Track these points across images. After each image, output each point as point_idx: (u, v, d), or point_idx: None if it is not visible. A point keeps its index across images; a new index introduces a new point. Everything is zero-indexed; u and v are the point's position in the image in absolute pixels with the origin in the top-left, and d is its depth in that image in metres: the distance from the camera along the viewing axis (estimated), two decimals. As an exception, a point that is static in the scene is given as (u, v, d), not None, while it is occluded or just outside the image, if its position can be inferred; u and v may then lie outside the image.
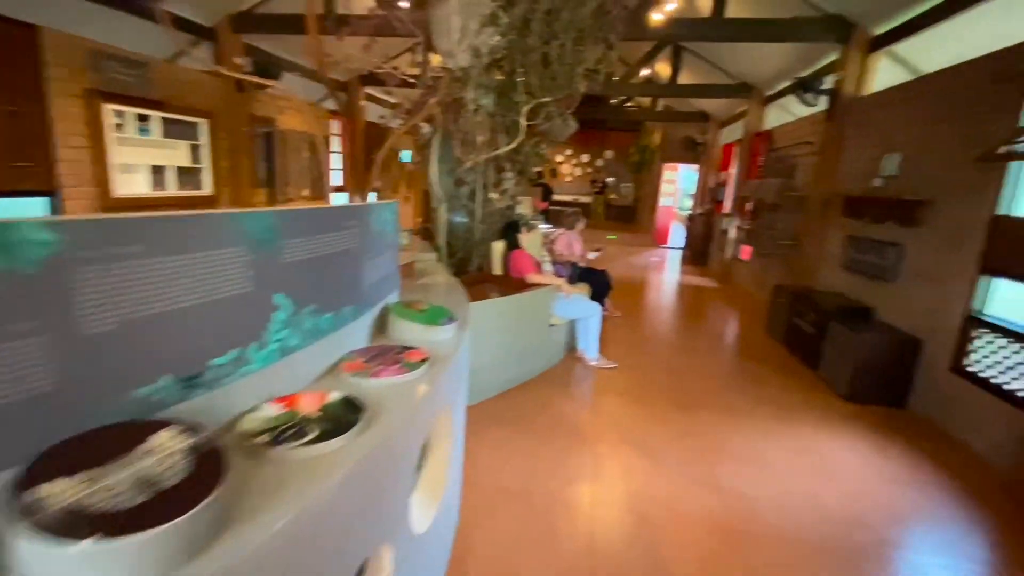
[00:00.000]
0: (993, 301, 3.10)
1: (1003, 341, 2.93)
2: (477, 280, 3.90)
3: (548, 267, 5.42)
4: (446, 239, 4.37)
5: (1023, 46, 2.95)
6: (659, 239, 13.13)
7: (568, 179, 17.63)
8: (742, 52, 7.16)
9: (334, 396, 1.20)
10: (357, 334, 1.58)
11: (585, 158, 17.49)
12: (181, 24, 5.57)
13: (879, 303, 4.14)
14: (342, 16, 3.73)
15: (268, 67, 5.50)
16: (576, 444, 2.89)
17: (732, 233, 8.30)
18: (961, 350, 3.23)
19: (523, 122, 3.72)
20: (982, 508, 2.50)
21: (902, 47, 4.52)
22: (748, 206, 7.82)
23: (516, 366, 3.58)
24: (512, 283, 3.86)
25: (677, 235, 12.54)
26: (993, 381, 2.97)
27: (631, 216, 16.74)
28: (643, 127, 15.74)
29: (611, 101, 12.51)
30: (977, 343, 3.12)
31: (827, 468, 2.79)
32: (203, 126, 5.95)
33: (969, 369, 3.16)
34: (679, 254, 11.45)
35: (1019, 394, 2.80)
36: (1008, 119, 3.00)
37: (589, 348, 4.11)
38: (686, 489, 2.52)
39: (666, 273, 9.26)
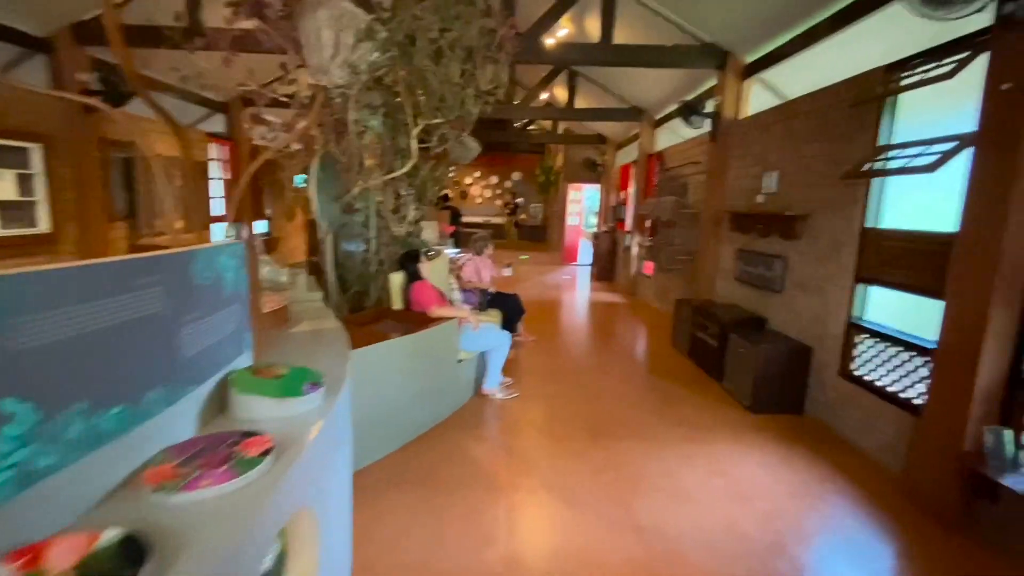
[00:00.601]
0: (870, 307, 3.31)
1: (881, 345, 3.13)
2: (374, 318, 3.53)
3: (456, 295, 5.15)
4: (337, 273, 3.96)
5: (875, 72, 3.22)
6: (568, 257, 13.40)
7: (479, 201, 17.62)
8: (632, 78, 7.51)
9: (108, 537, 0.83)
10: (179, 423, 1.20)
11: (494, 180, 17.62)
12: (6, 35, 4.70)
13: (771, 313, 4.36)
14: (191, 27, 3.25)
15: (118, 85, 4.77)
16: (489, 497, 2.61)
17: (635, 250, 8.60)
18: (846, 355, 3.42)
19: (414, 145, 3.46)
20: (884, 513, 2.58)
21: (770, 74, 4.91)
22: (647, 223, 8.15)
23: (420, 412, 3.24)
24: (414, 318, 3.54)
25: (585, 253, 12.87)
26: (876, 383, 3.15)
27: (542, 235, 17.05)
28: (547, 149, 16.22)
29: (515, 124, 12.69)
30: (860, 348, 3.31)
31: (742, 490, 2.76)
32: (36, 152, 5.01)
33: (855, 373, 3.35)
34: (588, 271, 11.73)
35: (898, 394, 2.98)
36: (867, 138, 3.26)
37: (491, 379, 3.87)
38: (607, 535, 2.33)
39: (576, 291, 9.38)
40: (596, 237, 10.90)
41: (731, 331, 4.22)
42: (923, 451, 2.63)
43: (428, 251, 4.36)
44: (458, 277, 5.27)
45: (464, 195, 17.54)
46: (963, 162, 2.48)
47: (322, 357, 1.84)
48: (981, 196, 2.35)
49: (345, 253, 4.26)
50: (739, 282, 4.94)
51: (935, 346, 2.62)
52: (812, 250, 3.81)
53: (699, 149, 6.17)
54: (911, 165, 2.69)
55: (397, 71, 3.16)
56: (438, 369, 3.39)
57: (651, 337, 6.08)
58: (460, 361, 3.62)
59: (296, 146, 3.42)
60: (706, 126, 5.52)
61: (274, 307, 2.30)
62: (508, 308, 5.28)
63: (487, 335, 3.78)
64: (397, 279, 3.78)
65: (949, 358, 2.50)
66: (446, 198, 10.96)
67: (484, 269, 5.37)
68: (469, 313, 3.71)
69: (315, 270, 4.06)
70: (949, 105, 2.80)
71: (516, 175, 17.56)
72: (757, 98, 5.19)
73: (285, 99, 3.14)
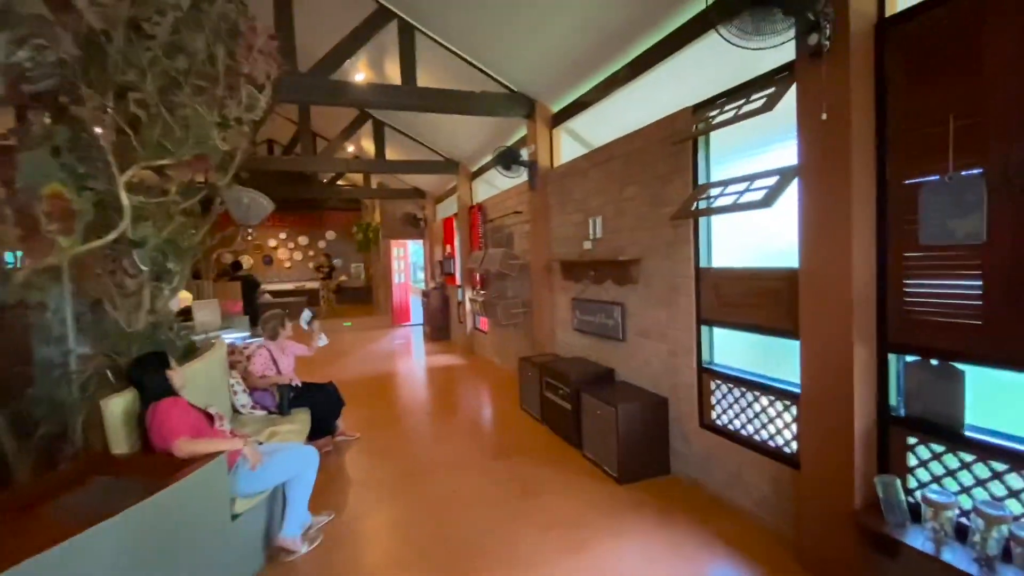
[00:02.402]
0: (719, 351, 3.14)
1: (737, 391, 2.93)
2: (72, 480, 2.15)
3: (243, 399, 3.82)
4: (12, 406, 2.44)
5: (684, 112, 3.18)
6: (398, 318, 12.38)
7: (288, 265, 15.57)
8: (442, 128, 7.17)
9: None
10: None
11: (304, 240, 15.80)
12: None
13: (618, 364, 4.07)
14: None
15: None
16: None
17: (468, 305, 8.08)
18: (703, 404, 3.19)
19: (125, 199, 2.29)
20: (790, 597, 2.21)
21: (577, 123, 4.90)
22: (477, 277, 7.72)
23: (162, 629, 1.96)
24: (152, 467, 2.26)
25: (417, 311, 12.03)
26: (740, 432, 2.92)
27: (367, 297, 15.68)
28: (363, 205, 15.19)
29: (323, 180, 11.50)
30: (716, 395, 3.09)
31: (644, 613, 2.15)
32: None
33: (715, 423, 3.11)
34: (421, 331, 10.88)
35: (767, 443, 2.76)
36: (685, 178, 3.18)
37: (289, 524, 2.67)
38: None
39: (410, 357, 8.41)
40: (426, 294, 10.18)
41: (583, 390, 3.79)
42: (810, 509, 2.37)
43: (185, 345, 3.05)
44: (245, 374, 3.96)
45: (269, 260, 15.33)
46: (793, 195, 2.39)
47: None
48: (816, 229, 2.23)
49: (41, 366, 2.74)
50: (580, 332, 4.64)
51: (798, 389, 2.43)
52: (650, 294, 3.62)
53: (520, 198, 5.97)
54: (743, 202, 2.55)
55: (81, 87, 2.02)
56: (195, 545, 2.14)
57: (498, 403, 5.44)
58: (236, 517, 2.41)
59: None
60: (524, 175, 5.30)
61: None
62: (320, 404, 4.12)
63: (281, 462, 2.63)
64: (120, 405, 2.43)
65: (816, 403, 2.30)
66: (237, 266, 9.12)
67: (282, 356, 4.14)
68: (243, 443, 2.51)
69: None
70: (758, 141, 2.79)
71: (330, 234, 16.05)
72: (570, 146, 5.16)
73: None
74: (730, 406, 2.99)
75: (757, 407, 2.80)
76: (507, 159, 5.09)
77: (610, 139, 4.03)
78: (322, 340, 4.37)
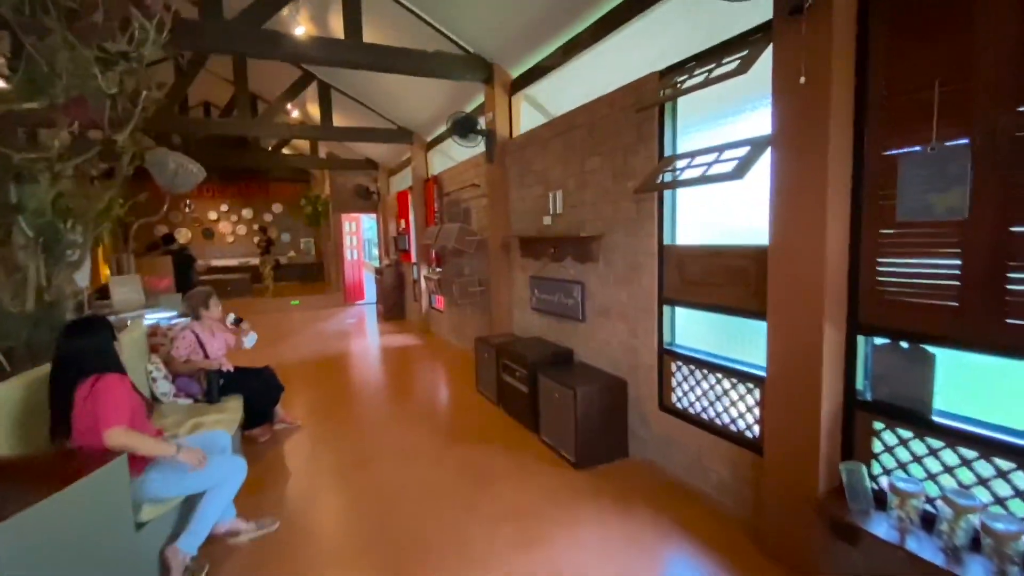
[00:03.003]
0: (681, 332, 3.02)
1: (699, 373, 2.82)
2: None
3: (164, 387, 3.42)
4: None
5: (650, 78, 2.96)
6: (351, 296, 11.88)
7: (231, 240, 14.61)
8: (395, 94, 6.70)
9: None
10: None
11: (247, 214, 14.83)
12: None
13: (576, 344, 3.92)
14: None
15: None
16: None
17: (423, 283, 7.75)
18: (664, 386, 3.08)
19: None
20: (734, 567, 2.14)
21: (536, 90, 4.62)
22: (433, 254, 7.39)
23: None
24: (42, 469, 1.92)
25: (371, 289, 11.55)
26: (701, 416, 2.83)
27: (317, 274, 14.97)
28: (312, 177, 14.35)
29: (267, 148, 10.69)
30: (677, 377, 2.97)
31: (602, 612, 2.02)
32: None
33: (675, 406, 3.00)
34: (375, 309, 10.46)
35: (728, 426, 2.67)
36: (650, 149, 2.99)
37: (188, 539, 2.23)
38: None
39: (362, 337, 8.04)
40: (379, 272, 9.74)
41: (540, 372, 3.61)
42: (773, 495, 2.29)
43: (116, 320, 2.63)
44: (167, 359, 3.55)
45: (210, 234, 14.32)
46: (765, 168, 2.23)
47: None
48: (789, 203, 2.09)
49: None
50: (538, 312, 4.45)
51: (763, 372, 2.33)
52: (611, 273, 3.45)
53: (476, 171, 5.66)
54: (712, 173, 2.38)
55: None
56: (91, 560, 1.82)
57: (453, 385, 5.22)
58: (143, 526, 2.09)
59: None
60: (481, 145, 4.99)
61: None
62: (255, 390, 3.77)
63: (210, 470, 2.28)
64: (16, 388, 2.02)
65: (782, 387, 2.19)
66: (168, 239, 8.37)
67: (211, 340, 3.74)
68: (174, 449, 2.17)
69: None
70: (728, 109, 2.62)
71: (277, 207, 15.13)
72: (529, 115, 4.88)
73: None
74: (691, 388, 2.89)
75: (719, 390, 2.70)
76: (463, 127, 4.76)
77: (573, 108, 3.79)
78: (251, 339, 3.95)
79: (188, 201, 14.09)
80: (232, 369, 3.80)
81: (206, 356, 3.66)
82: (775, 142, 2.12)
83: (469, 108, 5.56)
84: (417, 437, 3.84)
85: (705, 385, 2.79)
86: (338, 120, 7.67)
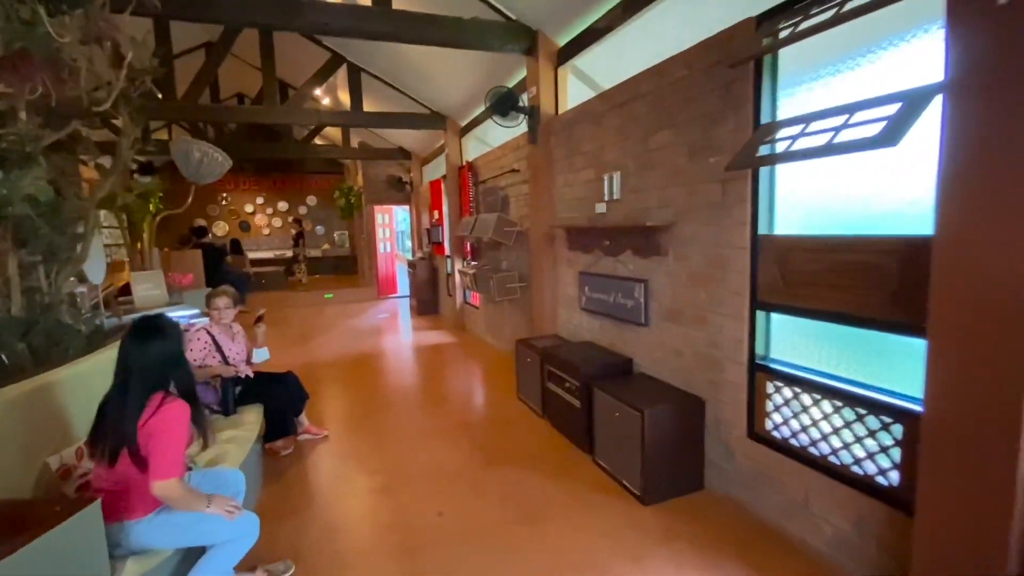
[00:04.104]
0: (783, 344, 2.43)
1: (806, 396, 2.24)
2: None
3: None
4: None
5: (743, 26, 2.37)
6: (384, 289, 11.61)
7: (267, 232, 14.63)
8: (428, 76, 6.24)
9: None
10: None
11: (283, 206, 14.81)
12: None
13: (637, 352, 3.37)
14: None
15: None
16: None
17: (458, 278, 7.32)
18: (755, 409, 2.51)
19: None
20: None
21: (585, 60, 4.05)
22: (468, 246, 6.94)
23: None
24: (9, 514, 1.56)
25: (404, 282, 11.24)
26: (809, 449, 2.25)
27: (352, 266, 14.83)
28: (345, 168, 14.16)
29: (299, 139, 10.45)
30: (775, 400, 2.40)
31: None
32: None
33: (772, 435, 2.43)
34: (408, 304, 10.14)
35: (850, 468, 2.09)
36: (741, 116, 2.40)
37: None
38: None
39: (395, 334, 7.69)
40: (412, 265, 9.38)
41: (595, 385, 3.09)
42: (928, 567, 1.71)
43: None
44: (179, 364, 3.20)
45: (246, 227, 14.36)
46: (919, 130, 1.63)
47: None
48: (974, 176, 1.49)
49: None
50: (589, 313, 3.92)
51: (915, 404, 1.75)
52: (683, 269, 2.88)
53: (516, 155, 5.14)
54: (843, 141, 1.79)
55: None
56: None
57: (491, 391, 4.76)
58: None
59: None
60: (522, 125, 4.47)
61: None
62: (277, 398, 3.40)
63: (212, 522, 1.87)
64: None
65: (952, 429, 1.61)
66: (200, 232, 8.18)
67: (230, 343, 3.38)
68: (206, 503, 1.82)
69: None
70: (848, 55, 2.01)
71: (311, 199, 15.06)
72: (577, 90, 4.32)
73: None
74: (795, 415, 2.31)
75: (837, 420, 2.12)
76: (504, 104, 4.24)
77: (631, 76, 3.21)
78: (262, 354, 3.58)
79: (225, 194, 14.18)
80: (252, 375, 3.45)
81: (224, 360, 3.32)
82: (953, 90, 1.52)
83: (509, 84, 5.03)
84: (452, 454, 3.39)
85: (816, 412, 2.21)
86: (369, 106, 7.29)
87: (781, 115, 2.31)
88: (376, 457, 3.42)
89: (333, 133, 10.94)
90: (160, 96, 5.84)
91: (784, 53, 2.27)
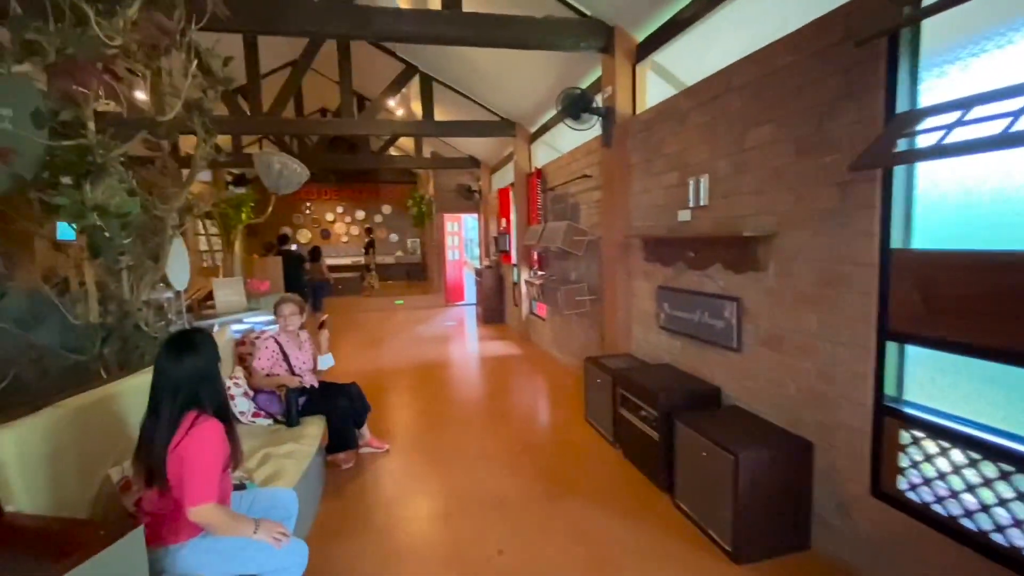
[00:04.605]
0: (918, 383, 1.97)
1: (959, 453, 1.77)
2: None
3: (242, 404, 3.10)
4: None
5: (870, -3, 1.96)
6: (451, 296, 11.67)
7: (345, 240, 15.31)
8: (498, 82, 6.13)
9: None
10: None
11: (360, 215, 15.45)
12: None
13: (726, 380, 2.96)
14: None
15: None
16: None
17: (524, 288, 7.12)
18: (882, 461, 2.05)
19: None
20: None
21: (665, 55, 3.70)
22: (535, 255, 6.72)
23: None
24: (57, 535, 1.52)
25: (472, 290, 11.25)
26: (963, 522, 1.77)
27: (422, 273, 15.15)
28: (418, 177, 14.52)
29: (375, 151, 10.80)
30: (911, 452, 1.94)
31: None
32: None
33: (906, 496, 1.96)
34: (474, 311, 10.09)
35: (1022, 552, 1.61)
36: (866, 104, 1.98)
37: None
38: None
39: (460, 342, 7.62)
40: (479, 273, 9.32)
41: (678, 417, 2.73)
42: None
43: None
44: (246, 373, 3.23)
45: (327, 234, 15.13)
46: None
47: None
48: None
49: None
50: (668, 332, 3.54)
51: None
52: (787, 287, 2.46)
53: (588, 160, 4.86)
54: (1033, 126, 1.36)
55: None
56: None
57: (557, 410, 4.48)
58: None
59: None
60: (596, 127, 4.18)
61: None
62: (339, 411, 3.33)
63: (258, 550, 1.75)
64: (12, 439, 1.67)
65: None
66: (283, 239, 8.60)
67: (297, 352, 3.37)
68: (253, 528, 1.72)
69: None
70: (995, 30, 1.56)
71: (386, 208, 15.59)
72: (657, 88, 3.98)
73: None
74: (941, 476, 1.84)
75: (1006, 490, 1.64)
76: (577, 105, 3.98)
77: (719, 70, 2.84)
78: (326, 361, 3.53)
79: (308, 203, 15.04)
80: (316, 385, 3.42)
81: (290, 369, 3.31)
82: None
83: (582, 84, 4.77)
84: (516, 481, 3.15)
85: (972, 475, 1.73)
86: (440, 115, 7.31)
87: (924, 102, 1.87)
88: (436, 478, 3.25)
89: (407, 144, 11.20)
90: (248, 111, 6.18)
91: (929, 24, 1.83)
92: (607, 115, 4.03)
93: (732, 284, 2.84)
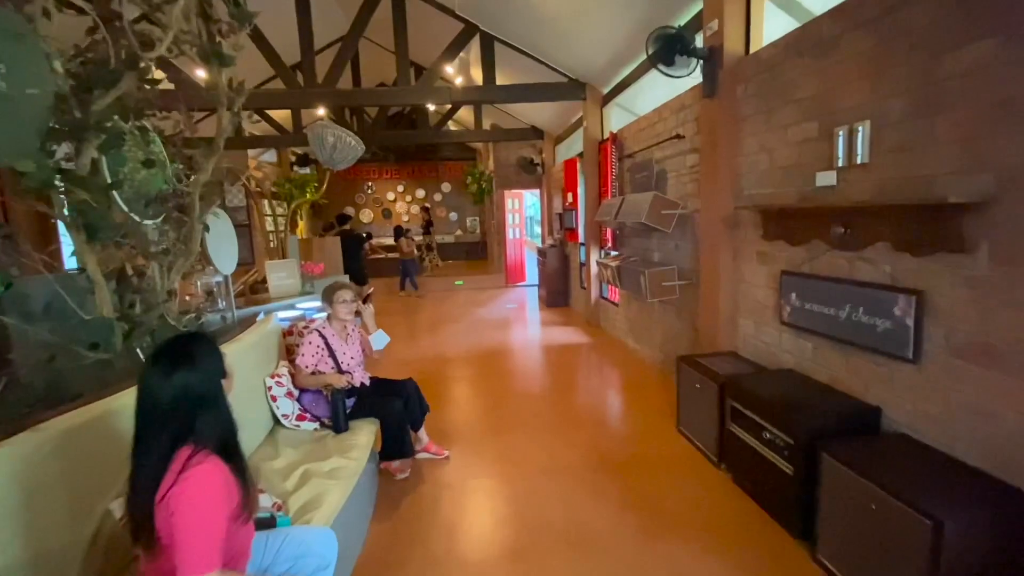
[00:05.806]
0: None
1: None
2: None
3: (287, 406, 2.73)
4: None
5: None
6: (512, 277, 11.18)
7: (406, 219, 15.18)
8: (569, 35, 5.39)
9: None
10: None
11: (420, 193, 15.25)
12: None
13: (891, 400, 2.21)
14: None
15: None
16: None
17: (594, 268, 6.44)
18: None
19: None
20: None
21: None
22: (607, 233, 6.02)
23: None
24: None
25: (533, 270, 10.69)
26: None
27: (482, 252, 14.77)
28: (478, 153, 14.02)
29: (433, 125, 10.36)
30: None
31: None
32: None
33: None
34: (536, 293, 9.54)
35: None
36: None
37: None
38: None
39: (522, 327, 7.11)
40: (542, 253, 8.72)
41: (827, 450, 2.04)
42: None
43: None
44: (291, 370, 2.86)
45: (388, 214, 15.06)
46: None
47: None
48: None
49: None
50: (795, 330, 2.80)
51: None
52: (1010, 279, 1.69)
53: (680, 117, 4.09)
54: None
55: None
56: None
57: (639, 414, 3.86)
58: None
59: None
60: (696, 73, 3.40)
61: None
62: (395, 413, 2.88)
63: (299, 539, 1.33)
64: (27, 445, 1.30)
65: None
66: (343, 219, 8.36)
67: (345, 346, 2.96)
68: None
69: None
70: None
71: (446, 186, 15.27)
72: (777, 19, 3.16)
73: None
74: None
75: None
76: (672, 48, 3.22)
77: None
78: (379, 339, 3.10)
79: (370, 183, 15.01)
80: (367, 382, 3.01)
81: (336, 366, 2.90)
82: None
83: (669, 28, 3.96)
84: (599, 509, 2.59)
85: None
86: (502, 80, 6.67)
87: None
88: (503, 498, 2.76)
89: (466, 117, 10.68)
90: (302, 82, 5.85)
91: None
92: (710, 57, 3.25)
93: (908, 271, 2.07)
